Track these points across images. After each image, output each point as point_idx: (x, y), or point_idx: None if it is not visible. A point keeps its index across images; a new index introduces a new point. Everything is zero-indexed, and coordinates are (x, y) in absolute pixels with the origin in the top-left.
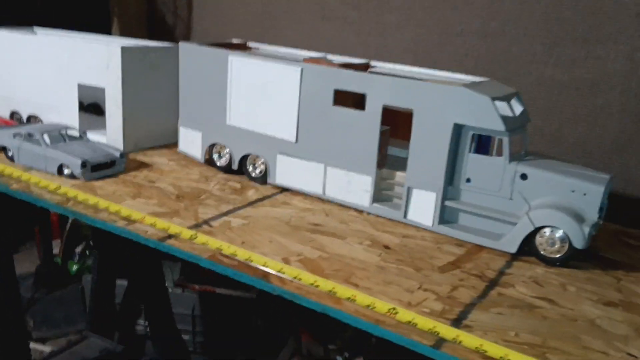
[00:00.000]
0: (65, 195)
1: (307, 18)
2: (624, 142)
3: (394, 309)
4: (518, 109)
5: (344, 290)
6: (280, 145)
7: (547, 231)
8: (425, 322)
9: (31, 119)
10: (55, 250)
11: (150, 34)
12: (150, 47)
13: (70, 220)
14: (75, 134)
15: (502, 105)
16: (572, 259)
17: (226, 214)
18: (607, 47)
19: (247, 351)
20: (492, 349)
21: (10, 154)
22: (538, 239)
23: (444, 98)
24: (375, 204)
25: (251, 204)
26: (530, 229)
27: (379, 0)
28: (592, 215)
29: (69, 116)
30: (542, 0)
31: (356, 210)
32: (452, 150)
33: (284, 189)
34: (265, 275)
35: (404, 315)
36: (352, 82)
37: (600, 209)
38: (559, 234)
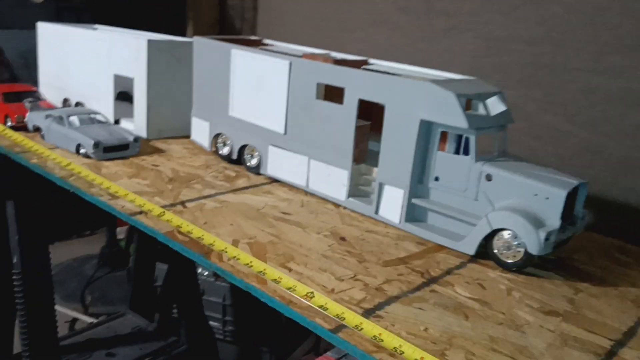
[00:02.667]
0: (71, 171)
1: (358, 23)
2: None
3: (312, 292)
4: (497, 108)
5: (273, 273)
6: (272, 137)
7: (505, 234)
8: (335, 308)
9: (78, 105)
10: (123, 235)
11: (220, 30)
12: (176, 42)
13: None
14: (102, 119)
15: (475, 104)
16: (528, 265)
17: (206, 197)
18: None
19: (272, 343)
20: (389, 339)
21: (42, 133)
22: (495, 242)
23: (411, 93)
24: (351, 199)
25: (235, 190)
26: (488, 230)
27: (427, 5)
28: (553, 221)
29: (106, 104)
30: (589, 6)
31: (334, 203)
32: (421, 147)
33: (274, 180)
34: (208, 252)
35: (319, 299)
36: (332, 76)
37: (569, 216)
38: (516, 238)
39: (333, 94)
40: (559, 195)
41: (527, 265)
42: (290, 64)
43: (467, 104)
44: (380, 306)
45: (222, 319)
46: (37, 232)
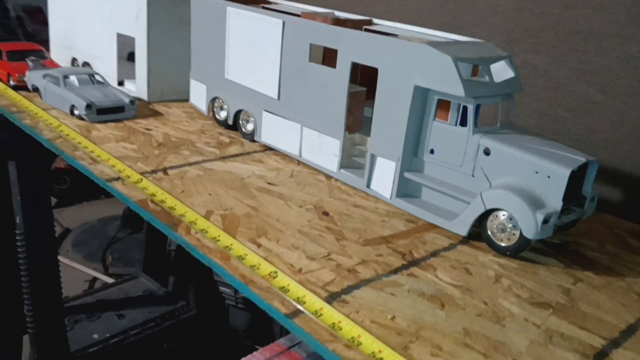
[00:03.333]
0: (59, 132)
1: None
2: None
3: (275, 272)
4: (503, 74)
5: (239, 249)
6: (266, 102)
7: (500, 215)
8: (297, 290)
9: (85, 65)
10: None
11: None
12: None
13: None
14: (101, 80)
15: (483, 70)
16: (523, 249)
17: (191, 164)
18: None
19: None
20: (348, 327)
21: (40, 93)
22: (489, 223)
23: (406, 56)
24: (342, 170)
25: (224, 158)
26: (481, 210)
27: None
28: (554, 202)
29: (110, 64)
30: None
31: (326, 175)
32: (415, 116)
33: (269, 148)
34: (176, 224)
35: (281, 280)
36: (325, 36)
37: (576, 197)
38: (511, 220)
39: (332, 58)
40: (562, 174)
41: (522, 249)
42: (284, 24)
43: (474, 70)
44: (348, 290)
45: None
46: (39, 193)
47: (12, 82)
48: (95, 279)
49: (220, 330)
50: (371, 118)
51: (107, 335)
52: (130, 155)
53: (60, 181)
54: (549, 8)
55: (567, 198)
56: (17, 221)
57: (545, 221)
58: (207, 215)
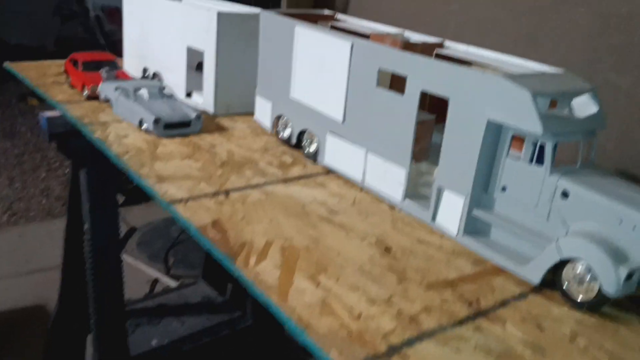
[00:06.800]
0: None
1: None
2: None
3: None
4: (586, 110)
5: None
6: (330, 124)
7: (578, 266)
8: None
9: (155, 75)
10: None
11: (315, 4)
12: (248, 14)
13: None
14: (170, 93)
15: (558, 110)
16: (602, 305)
17: (253, 187)
18: None
19: None
20: None
21: (112, 104)
22: (565, 273)
23: (479, 88)
24: (407, 200)
25: (286, 180)
26: (557, 259)
27: None
28: (639, 255)
29: (180, 76)
30: None
31: (389, 204)
32: (487, 151)
33: (331, 172)
34: (235, 254)
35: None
36: (395, 62)
37: None
38: (590, 272)
39: (401, 81)
40: None
41: (601, 305)
42: (352, 46)
43: (552, 103)
44: (409, 342)
45: None
46: (108, 202)
47: (86, 92)
48: (157, 280)
49: (275, 342)
50: (439, 145)
51: (166, 341)
52: (194, 175)
53: (128, 180)
54: (636, 23)
55: None
56: (85, 227)
57: (629, 277)
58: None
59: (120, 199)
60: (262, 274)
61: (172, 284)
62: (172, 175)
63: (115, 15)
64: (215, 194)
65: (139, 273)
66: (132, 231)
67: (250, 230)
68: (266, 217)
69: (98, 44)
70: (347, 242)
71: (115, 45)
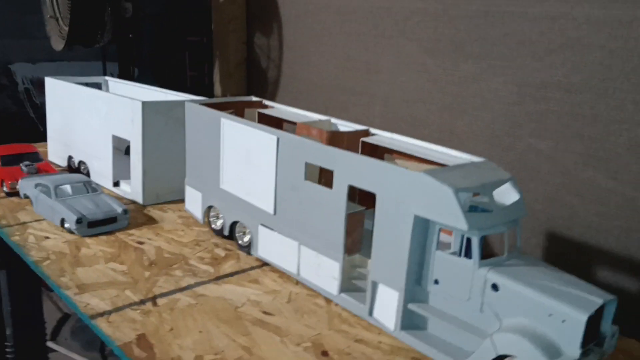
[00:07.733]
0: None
1: (384, 64)
2: None
3: None
4: (507, 199)
5: None
6: (262, 216)
7: None
8: None
9: (81, 164)
10: None
11: (248, 88)
12: (173, 102)
13: None
14: (95, 187)
15: (480, 197)
16: None
17: (182, 289)
18: None
19: None
20: None
21: (32, 202)
22: None
23: (404, 184)
24: (343, 295)
25: (218, 278)
26: (493, 355)
27: (455, 48)
28: (572, 349)
29: (106, 165)
30: (634, 52)
31: (325, 298)
32: (417, 245)
33: (265, 263)
34: None
35: None
36: (321, 157)
37: (594, 336)
38: None
39: (330, 172)
40: (578, 320)
41: None
42: (278, 140)
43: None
44: None
45: None
46: (31, 303)
47: (5, 189)
48: None
49: None
50: (372, 232)
51: None
52: (118, 281)
53: None
54: (551, 93)
55: (585, 342)
56: (7, 332)
57: None
58: None
59: None
60: None
61: None
62: (95, 283)
63: (45, 86)
64: (141, 302)
65: None
66: (65, 318)
67: (179, 344)
68: (196, 327)
69: (28, 117)
70: (282, 350)
71: (44, 118)
